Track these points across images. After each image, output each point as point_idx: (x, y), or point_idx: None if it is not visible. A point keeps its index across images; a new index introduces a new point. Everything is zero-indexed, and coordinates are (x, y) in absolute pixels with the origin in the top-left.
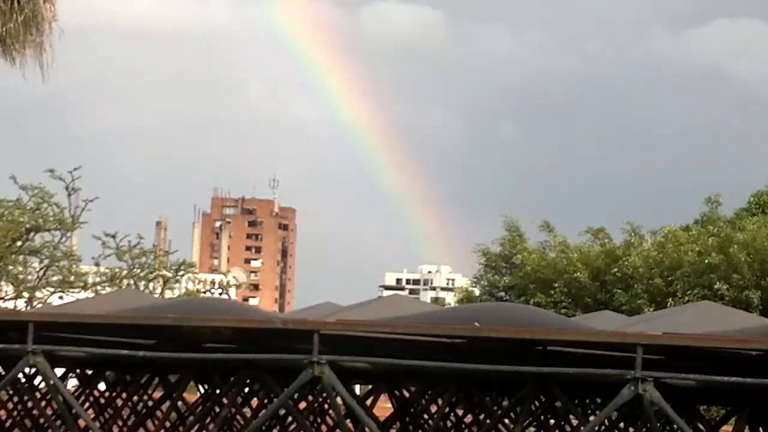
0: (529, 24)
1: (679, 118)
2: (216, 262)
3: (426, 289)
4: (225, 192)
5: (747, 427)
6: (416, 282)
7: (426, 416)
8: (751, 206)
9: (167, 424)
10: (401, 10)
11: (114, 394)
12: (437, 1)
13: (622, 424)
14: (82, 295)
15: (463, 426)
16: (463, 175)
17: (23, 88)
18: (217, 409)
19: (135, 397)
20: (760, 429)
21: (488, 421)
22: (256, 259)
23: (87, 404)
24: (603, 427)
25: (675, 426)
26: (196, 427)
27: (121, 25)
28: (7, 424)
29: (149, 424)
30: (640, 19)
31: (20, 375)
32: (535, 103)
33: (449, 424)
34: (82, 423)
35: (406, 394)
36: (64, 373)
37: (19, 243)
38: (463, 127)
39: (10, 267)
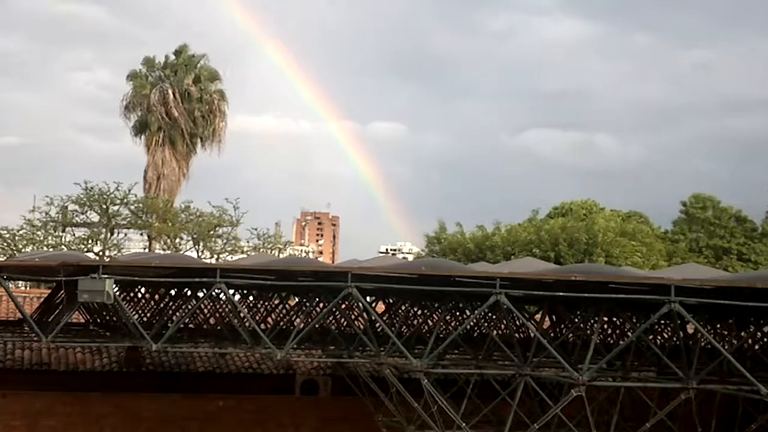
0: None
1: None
2: (302, 241)
3: (399, 253)
4: (306, 209)
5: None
6: (394, 250)
7: (400, 312)
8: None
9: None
10: (383, 125)
11: (256, 300)
12: (404, 119)
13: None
14: (240, 256)
15: (416, 317)
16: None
17: (209, 161)
18: (303, 307)
19: (265, 302)
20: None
21: (426, 314)
22: (321, 241)
23: (245, 307)
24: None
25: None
26: (295, 316)
27: (258, 130)
28: (204, 319)
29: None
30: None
31: (214, 293)
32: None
33: (416, 315)
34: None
35: (391, 301)
36: (234, 293)
37: (212, 233)
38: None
39: (209, 244)
